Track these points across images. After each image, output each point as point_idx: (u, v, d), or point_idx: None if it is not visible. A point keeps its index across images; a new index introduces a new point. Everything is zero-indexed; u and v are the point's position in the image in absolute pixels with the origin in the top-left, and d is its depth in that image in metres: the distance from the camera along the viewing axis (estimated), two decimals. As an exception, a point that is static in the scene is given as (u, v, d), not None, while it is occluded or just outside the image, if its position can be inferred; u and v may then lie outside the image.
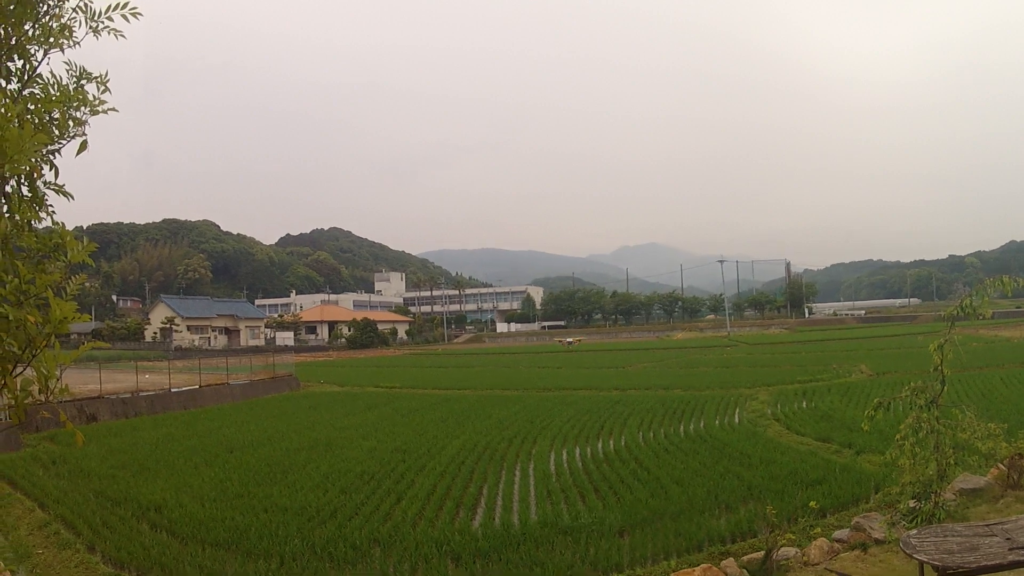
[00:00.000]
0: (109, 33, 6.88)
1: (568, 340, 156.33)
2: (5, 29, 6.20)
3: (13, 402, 5.53)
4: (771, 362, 78.14)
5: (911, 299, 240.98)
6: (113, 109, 6.93)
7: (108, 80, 7.02)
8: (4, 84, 6.40)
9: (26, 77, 6.58)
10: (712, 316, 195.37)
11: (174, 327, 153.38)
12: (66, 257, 6.34)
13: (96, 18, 6.74)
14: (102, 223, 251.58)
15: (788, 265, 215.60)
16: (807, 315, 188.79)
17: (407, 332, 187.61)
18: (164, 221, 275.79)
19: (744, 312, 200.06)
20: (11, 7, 6.14)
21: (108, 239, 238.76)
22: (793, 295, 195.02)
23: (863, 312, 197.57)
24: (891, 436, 16.24)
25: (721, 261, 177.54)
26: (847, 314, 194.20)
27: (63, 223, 6.75)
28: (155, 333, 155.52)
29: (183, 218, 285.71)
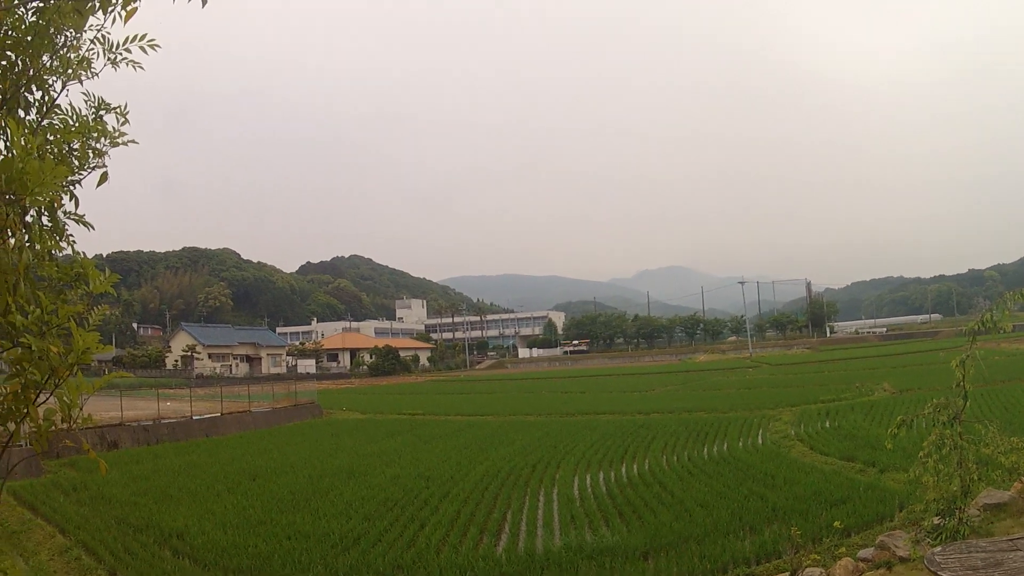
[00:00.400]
0: (128, 65, 6.94)
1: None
2: (23, 60, 6.26)
3: (36, 430, 5.59)
4: (794, 382, 77.79)
5: (932, 315, 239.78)
6: (133, 141, 6.98)
7: (127, 112, 7.08)
8: (23, 115, 6.47)
9: (45, 108, 6.65)
10: (734, 338, 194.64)
11: (195, 355, 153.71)
12: (88, 287, 6.41)
13: (114, 50, 6.80)
14: (122, 251, 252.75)
15: (809, 284, 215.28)
16: (829, 334, 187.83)
17: (429, 359, 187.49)
18: (184, 249, 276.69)
19: (766, 333, 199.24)
20: (28, 38, 6.21)
21: (128, 267, 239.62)
22: (814, 314, 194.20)
23: (885, 329, 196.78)
24: (914, 453, 16.16)
25: (742, 282, 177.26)
26: (869, 332, 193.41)
27: (84, 252, 6.81)
28: (176, 361, 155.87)
29: (203, 246, 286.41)
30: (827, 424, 43.25)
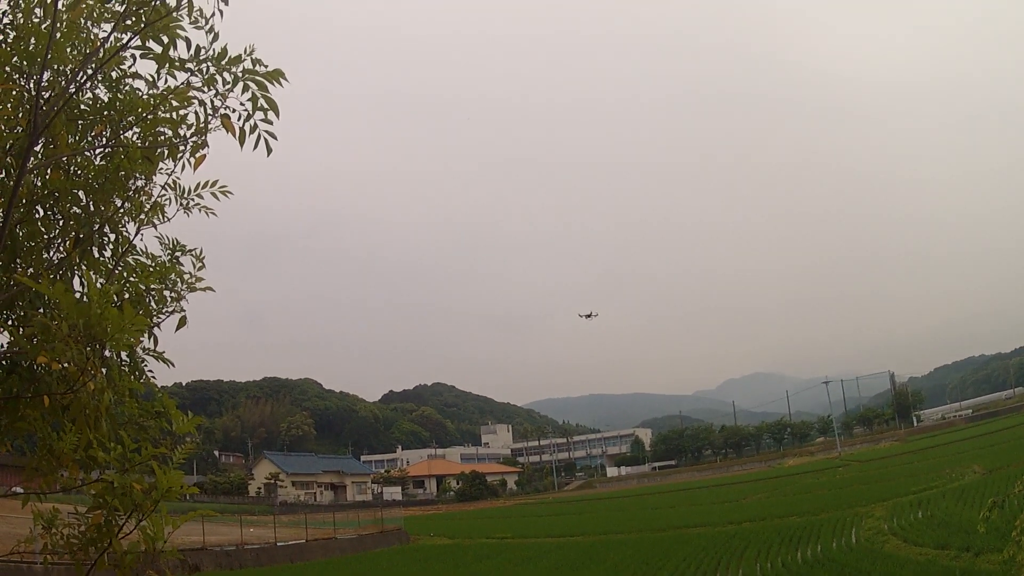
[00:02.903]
0: (200, 211, 7.20)
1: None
2: (95, 204, 6.52)
3: (119, 560, 5.71)
4: (884, 476, 76.32)
5: (1016, 388, 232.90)
6: (210, 288, 7.15)
7: (203, 256, 7.31)
8: (97, 255, 6.71)
9: (121, 250, 6.90)
10: (822, 439, 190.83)
11: (278, 483, 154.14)
12: (170, 426, 6.57)
13: (186, 195, 7.06)
14: (201, 380, 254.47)
15: (892, 376, 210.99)
16: (916, 424, 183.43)
17: (516, 482, 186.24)
18: (265, 379, 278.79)
19: (853, 430, 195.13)
20: (98, 183, 6.47)
21: (208, 395, 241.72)
22: (900, 405, 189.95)
23: (970, 411, 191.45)
24: (1008, 533, 15.80)
25: (826, 382, 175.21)
26: (955, 415, 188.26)
27: (165, 393, 6.99)
28: (259, 488, 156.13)
29: (283, 376, 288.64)
30: (919, 514, 42.49)
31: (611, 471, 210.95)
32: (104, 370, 5.51)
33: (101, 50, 6.22)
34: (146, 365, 7.00)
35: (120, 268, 6.86)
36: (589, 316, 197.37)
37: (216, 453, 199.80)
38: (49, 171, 6.32)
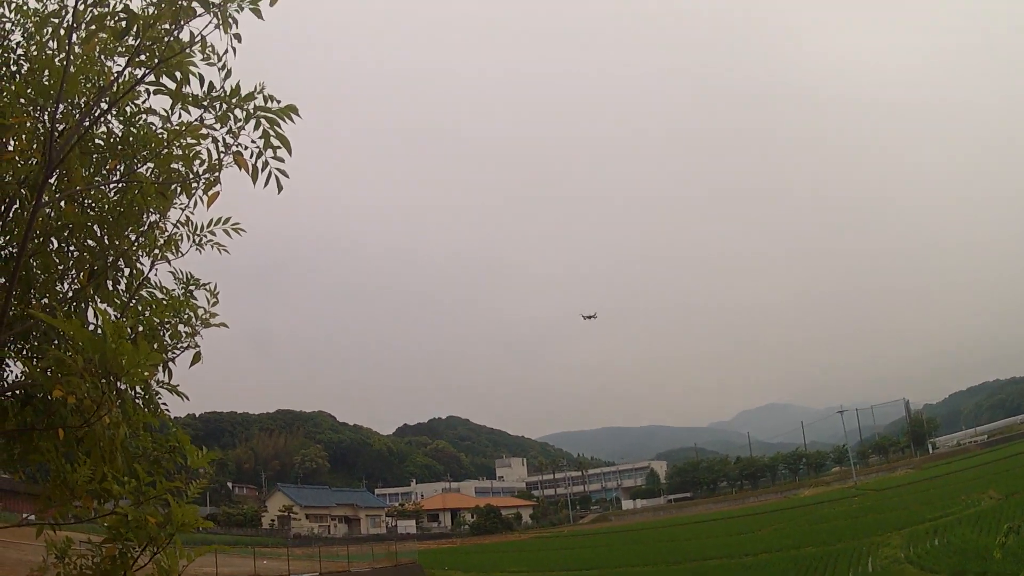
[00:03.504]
0: (212, 247, 7.26)
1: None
2: (110, 238, 6.57)
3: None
4: (900, 505, 76.01)
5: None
6: (223, 324, 7.23)
7: (217, 292, 7.36)
8: (112, 288, 6.77)
9: (135, 285, 6.95)
10: (837, 468, 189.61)
11: (292, 515, 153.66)
12: (184, 460, 6.61)
13: (199, 232, 7.12)
14: (215, 411, 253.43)
15: (907, 403, 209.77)
16: (931, 451, 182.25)
17: (531, 516, 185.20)
18: (278, 411, 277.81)
19: (869, 459, 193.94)
20: (112, 217, 6.52)
21: (221, 427, 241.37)
22: (915, 433, 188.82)
23: (985, 436, 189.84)
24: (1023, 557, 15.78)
25: (841, 412, 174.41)
26: (970, 441, 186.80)
27: (180, 427, 7.03)
28: (272, 520, 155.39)
29: (297, 408, 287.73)
30: (936, 542, 42.44)
31: (627, 504, 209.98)
32: (119, 403, 5.55)
33: (115, 84, 6.28)
34: (160, 398, 7.05)
35: (134, 302, 6.91)
36: (590, 317, 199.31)
37: (229, 485, 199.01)
38: (63, 204, 6.37)
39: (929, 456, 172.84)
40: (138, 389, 6.57)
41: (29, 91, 6.39)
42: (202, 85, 6.18)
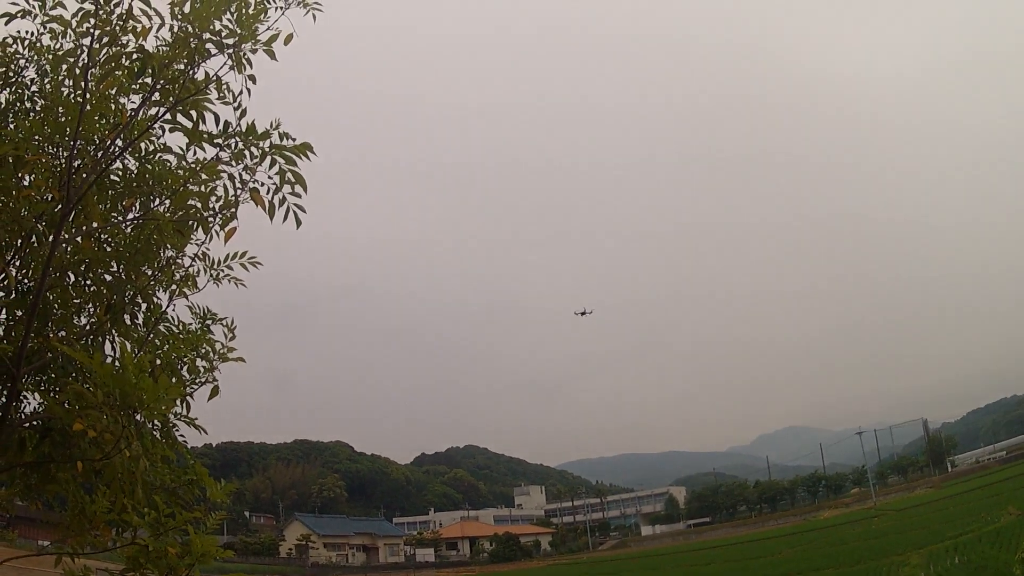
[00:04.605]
0: (230, 281, 7.36)
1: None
2: (127, 273, 6.65)
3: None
4: (919, 524, 75.62)
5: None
6: (240, 359, 7.32)
7: (235, 327, 7.45)
8: (129, 322, 6.86)
9: (152, 319, 7.05)
10: (856, 489, 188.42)
11: (310, 544, 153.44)
12: (203, 493, 6.69)
13: (216, 267, 7.21)
14: (232, 441, 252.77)
15: (925, 423, 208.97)
16: (950, 469, 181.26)
17: (550, 543, 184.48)
18: (295, 442, 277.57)
19: (888, 479, 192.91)
20: (129, 253, 6.60)
21: (238, 457, 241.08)
22: (934, 452, 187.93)
23: (1004, 453, 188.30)
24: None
25: (859, 433, 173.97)
26: (988, 459, 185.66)
27: (198, 461, 7.11)
28: (290, 550, 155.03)
29: (314, 439, 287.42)
30: (955, 560, 42.25)
31: (646, 530, 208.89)
32: (138, 436, 5.62)
33: (131, 122, 6.38)
34: (177, 430, 7.13)
35: (152, 336, 7.00)
36: (583, 313, 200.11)
37: (246, 514, 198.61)
38: (80, 239, 6.46)
39: (948, 474, 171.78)
40: (156, 422, 6.66)
41: (45, 128, 6.49)
42: (217, 123, 6.28)
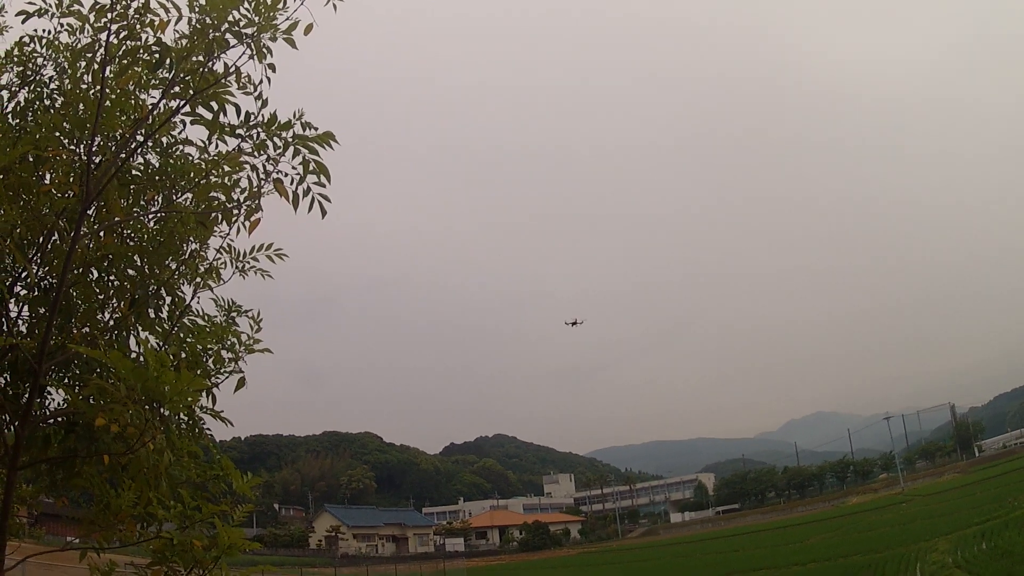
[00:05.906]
0: (256, 273, 7.33)
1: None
2: (150, 267, 6.63)
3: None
4: (947, 510, 75.45)
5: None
6: (267, 350, 7.24)
7: (261, 319, 7.41)
8: (154, 316, 6.83)
9: (177, 313, 7.02)
10: (885, 475, 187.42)
11: (340, 535, 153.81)
12: (229, 487, 6.67)
13: (241, 259, 7.18)
14: (260, 434, 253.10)
15: (953, 408, 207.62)
16: (977, 454, 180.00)
17: (579, 531, 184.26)
18: (324, 433, 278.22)
19: (916, 465, 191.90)
20: (152, 247, 6.58)
21: (267, 450, 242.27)
22: (961, 437, 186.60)
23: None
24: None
25: (887, 418, 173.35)
26: (1016, 443, 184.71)
27: (223, 454, 7.09)
28: (320, 541, 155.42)
29: (343, 430, 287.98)
30: (983, 546, 42.12)
31: (675, 517, 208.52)
32: (163, 430, 5.60)
33: (151, 116, 6.36)
34: (204, 424, 7.11)
35: (176, 329, 6.97)
36: (574, 324, 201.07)
37: (276, 506, 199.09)
38: (102, 234, 6.44)
39: (976, 459, 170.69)
40: (182, 415, 6.65)
41: (65, 124, 6.47)
42: (239, 114, 6.25)
